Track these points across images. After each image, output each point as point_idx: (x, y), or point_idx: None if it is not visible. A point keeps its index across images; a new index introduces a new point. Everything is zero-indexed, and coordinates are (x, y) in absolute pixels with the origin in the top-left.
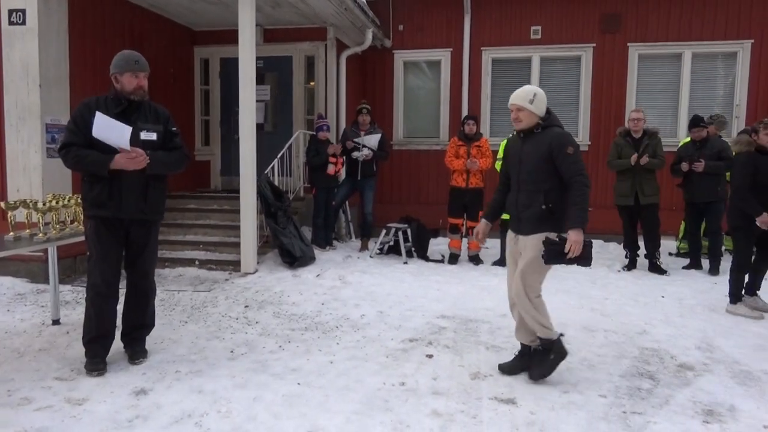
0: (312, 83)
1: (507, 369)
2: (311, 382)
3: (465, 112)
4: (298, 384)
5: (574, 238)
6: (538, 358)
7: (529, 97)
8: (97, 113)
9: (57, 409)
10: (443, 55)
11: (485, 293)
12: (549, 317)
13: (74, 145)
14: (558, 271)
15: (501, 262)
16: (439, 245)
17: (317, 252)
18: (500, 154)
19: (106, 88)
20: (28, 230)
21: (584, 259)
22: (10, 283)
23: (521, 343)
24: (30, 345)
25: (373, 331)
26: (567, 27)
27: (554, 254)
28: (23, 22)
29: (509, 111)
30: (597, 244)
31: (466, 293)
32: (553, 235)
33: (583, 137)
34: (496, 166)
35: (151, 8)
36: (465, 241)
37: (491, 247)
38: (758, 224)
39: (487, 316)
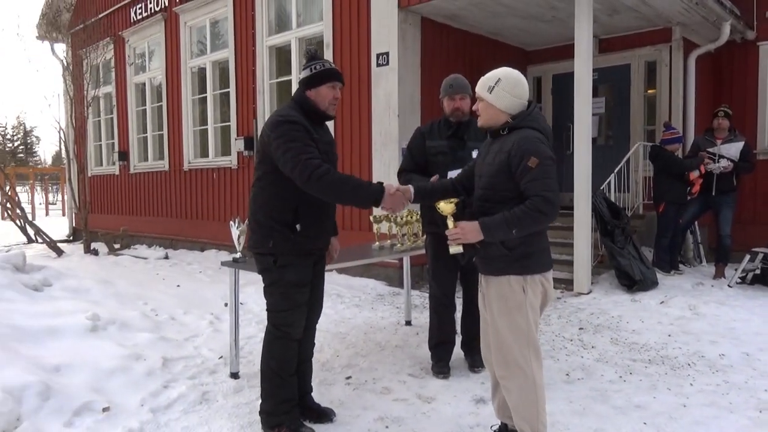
0: (652, 90)
1: None
2: (660, 425)
3: None
4: (644, 423)
5: (468, 227)
6: None
7: (488, 84)
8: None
9: (410, 402)
10: None
11: None
12: (543, 413)
13: (405, 171)
14: None
15: None
16: None
17: (660, 276)
18: None
19: None
20: (389, 240)
21: (465, 253)
22: (373, 285)
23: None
24: (388, 341)
25: (738, 376)
26: None
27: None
28: (387, 63)
29: None
30: None
31: None
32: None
33: None
34: None
35: (489, 35)
36: None
37: None
38: None
39: None
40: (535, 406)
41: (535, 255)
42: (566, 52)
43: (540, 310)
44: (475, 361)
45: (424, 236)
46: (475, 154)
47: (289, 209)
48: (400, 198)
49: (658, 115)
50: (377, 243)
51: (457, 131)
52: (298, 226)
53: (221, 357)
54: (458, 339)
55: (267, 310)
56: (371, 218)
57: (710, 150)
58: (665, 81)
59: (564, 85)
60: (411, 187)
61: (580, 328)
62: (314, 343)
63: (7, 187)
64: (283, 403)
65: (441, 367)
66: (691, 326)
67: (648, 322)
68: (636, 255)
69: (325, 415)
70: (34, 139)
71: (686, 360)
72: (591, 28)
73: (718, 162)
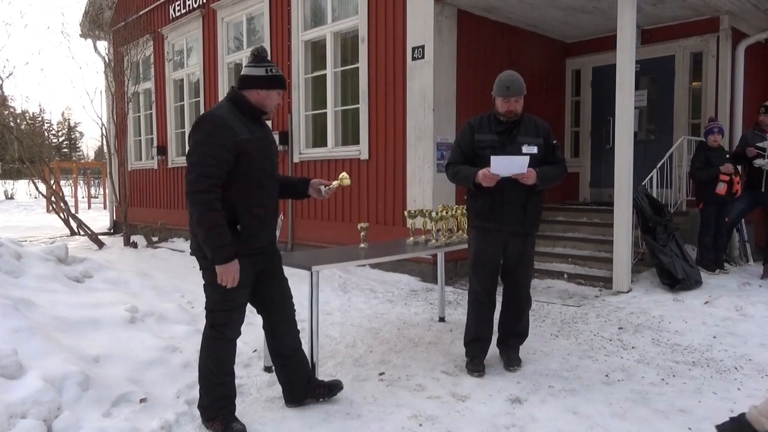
0: (697, 83)
1: None
2: (705, 430)
3: None
4: (689, 429)
5: None
6: None
7: None
8: (492, 158)
9: (444, 401)
10: None
11: None
12: None
13: (454, 164)
14: None
15: None
16: None
17: (704, 275)
18: None
19: (485, 107)
20: (423, 236)
21: None
22: (406, 280)
23: None
24: (422, 337)
25: None
26: None
27: None
28: (422, 57)
29: None
30: None
31: None
32: None
33: None
34: None
35: (527, 27)
36: None
37: None
38: None
39: None
40: None
41: None
42: (607, 43)
43: None
44: (510, 360)
45: (460, 231)
46: (525, 149)
47: (228, 208)
48: None
49: (704, 109)
50: (411, 238)
51: (507, 126)
52: (238, 227)
53: (255, 350)
54: (494, 337)
55: (206, 309)
56: (405, 213)
57: (759, 145)
58: (712, 73)
59: (604, 77)
60: None
61: (620, 328)
62: (299, 331)
63: (52, 181)
64: (218, 401)
65: (476, 365)
66: (738, 328)
67: (691, 323)
68: (679, 253)
69: (335, 386)
70: (77, 134)
71: (733, 363)
72: (635, 18)
73: (766, 158)
